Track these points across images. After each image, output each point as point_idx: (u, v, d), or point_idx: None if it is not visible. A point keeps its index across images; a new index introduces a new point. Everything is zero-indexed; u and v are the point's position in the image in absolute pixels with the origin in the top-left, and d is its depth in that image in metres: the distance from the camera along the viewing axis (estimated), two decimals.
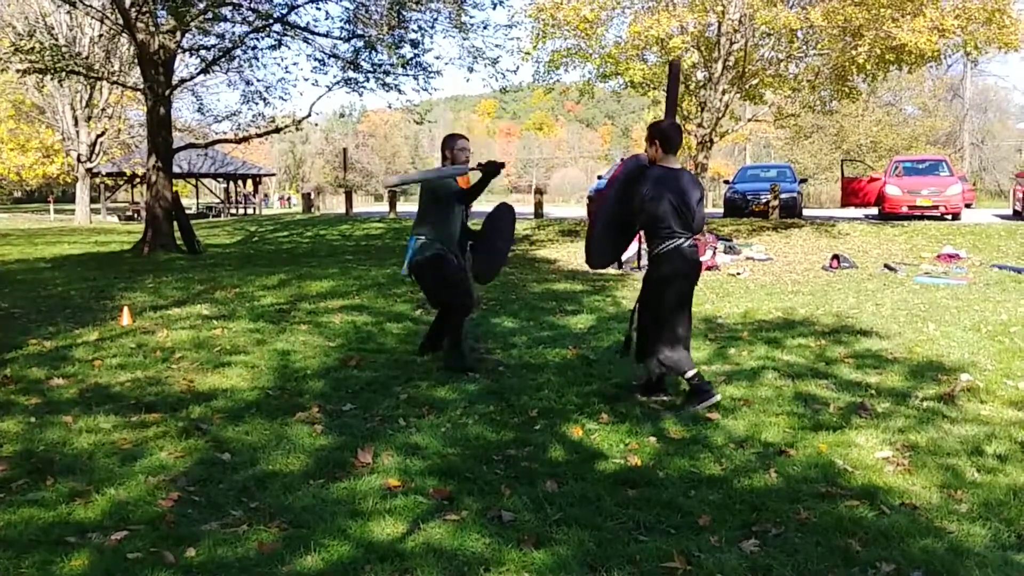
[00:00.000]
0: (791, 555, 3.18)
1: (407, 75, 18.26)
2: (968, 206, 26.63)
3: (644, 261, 13.94)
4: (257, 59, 19.93)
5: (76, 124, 32.07)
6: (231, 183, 43.47)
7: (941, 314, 8.71)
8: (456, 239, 6.22)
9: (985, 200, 44.12)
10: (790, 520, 3.50)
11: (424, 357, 6.43)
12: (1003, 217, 22.75)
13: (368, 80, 18.41)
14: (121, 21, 16.51)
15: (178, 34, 16.85)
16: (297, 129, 20.67)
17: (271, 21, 17.69)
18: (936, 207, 20.25)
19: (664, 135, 5.14)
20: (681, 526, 3.46)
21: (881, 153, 42.22)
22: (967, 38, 16.21)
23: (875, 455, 4.29)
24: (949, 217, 20.32)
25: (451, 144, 6.31)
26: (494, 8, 18.95)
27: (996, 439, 4.50)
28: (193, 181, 44.38)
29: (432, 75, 18.42)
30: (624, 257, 14.12)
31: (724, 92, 18.02)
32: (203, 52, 18.36)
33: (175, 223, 17.14)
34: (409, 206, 47.97)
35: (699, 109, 18.68)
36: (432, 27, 17.86)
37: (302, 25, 18.68)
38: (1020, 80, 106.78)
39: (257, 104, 19.94)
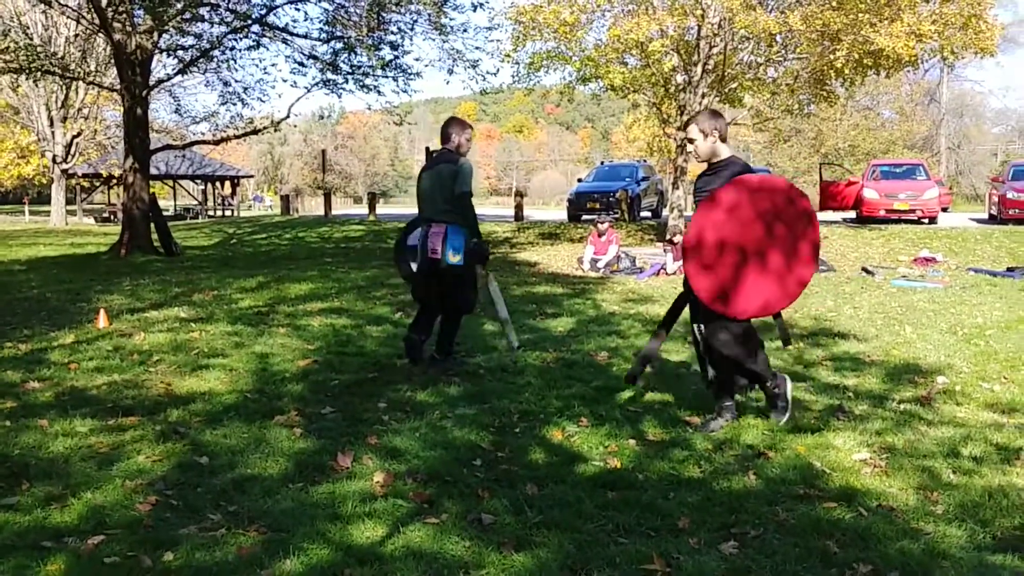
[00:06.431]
0: (769, 556, 3.20)
1: (386, 77, 18.26)
2: (945, 210, 26.89)
3: (624, 264, 14.03)
4: (235, 60, 19.85)
5: (51, 124, 31.75)
6: (209, 185, 43.20)
7: (918, 317, 8.79)
8: None
9: (961, 204, 44.60)
10: (769, 522, 3.52)
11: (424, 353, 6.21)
12: (979, 221, 22.97)
13: (347, 82, 18.39)
14: (97, 21, 16.38)
15: (155, 34, 16.74)
16: (275, 130, 20.60)
17: (249, 22, 17.61)
18: (913, 211, 20.45)
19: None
20: (661, 528, 3.47)
21: (859, 157, 42.60)
22: (944, 43, 16.38)
23: (853, 457, 4.32)
24: (926, 221, 20.52)
25: (460, 129, 5.98)
26: (474, 10, 18.92)
27: (972, 441, 4.54)
28: (170, 183, 44.09)
29: (411, 77, 18.44)
30: (603, 262, 14.19)
31: (703, 95, 18.10)
32: (181, 52, 18.26)
33: (152, 225, 17.01)
34: (388, 209, 47.81)
35: (678, 113, 18.76)
36: (412, 29, 17.86)
37: (281, 26, 18.65)
38: (996, 85, 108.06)
39: (235, 105, 19.87)
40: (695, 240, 4.60)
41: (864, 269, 13.90)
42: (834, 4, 15.57)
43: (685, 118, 18.36)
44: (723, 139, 4.83)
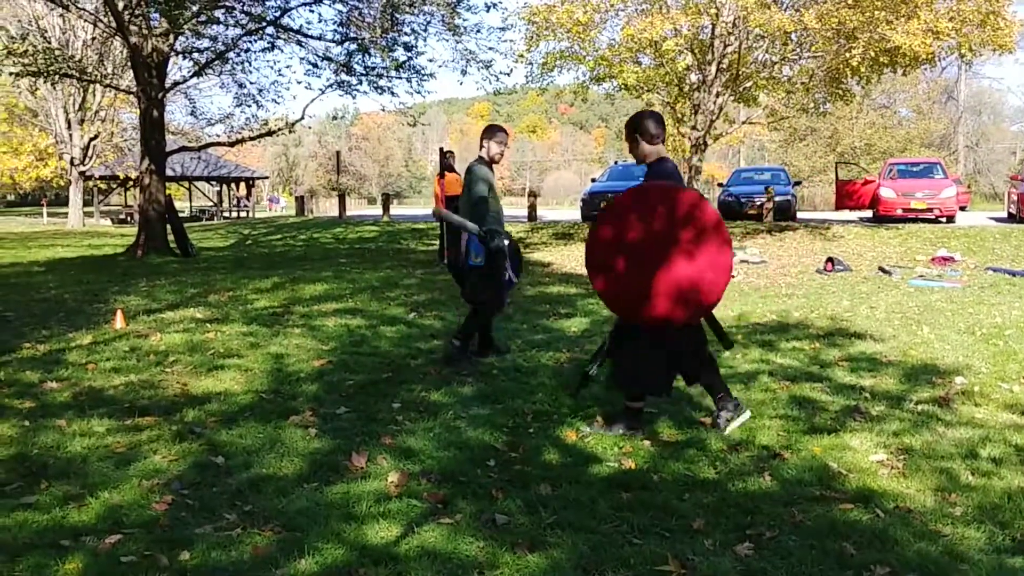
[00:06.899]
0: (785, 558, 3.18)
1: (400, 78, 18.27)
2: (963, 209, 26.71)
3: None
4: (250, 62, 19.94)
5: (69, 127, 31.98)
6: (224, 186, 43.41)
7: (935, 317, 8.72)
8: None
9: (980, 203, 44.28)
10: (784, 523, 3.50)
11: (488, 359, 6.58)
12: (998, 220, 22.80)
13: (361, 83, 18.41)
14: (114, 24, 16.48)
15: (171, 37, 16.82)
16: (290, 132, 20.65)
17: (264, 24, 17.67)
18: (931, 210, 20.30)
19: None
20: (675, 529, 3.45)
21: (875, 156, 42.37)
22: (961, 40, 16.27)
23: (870, 458, 4.29)
24: (944, 220, 20.36)
25: (489, 135, 6.51)
26: (487, 11, 18.94)
27: (991, 442, 4.50)
28: (186, 184, 44.34)
29: (425, 78, 18.44)
30: None
31: (718, 95, 18.07)
32: (196, 55, 18.34)
33: (168, 226, 17.10)
34: (402, 210, 47.91)
35: (693, 112, 18.72)
36: (425, 30, 17.86)
37: (295, 28, 18.68)
38: (1015, 82, 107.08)
39: (250, 107, 19.96)
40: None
41: (881, 269, 13.81)
42: (850, 2, 15.50)
43: (700, 117, 18.33)
44: (650, 141, 4.73)
